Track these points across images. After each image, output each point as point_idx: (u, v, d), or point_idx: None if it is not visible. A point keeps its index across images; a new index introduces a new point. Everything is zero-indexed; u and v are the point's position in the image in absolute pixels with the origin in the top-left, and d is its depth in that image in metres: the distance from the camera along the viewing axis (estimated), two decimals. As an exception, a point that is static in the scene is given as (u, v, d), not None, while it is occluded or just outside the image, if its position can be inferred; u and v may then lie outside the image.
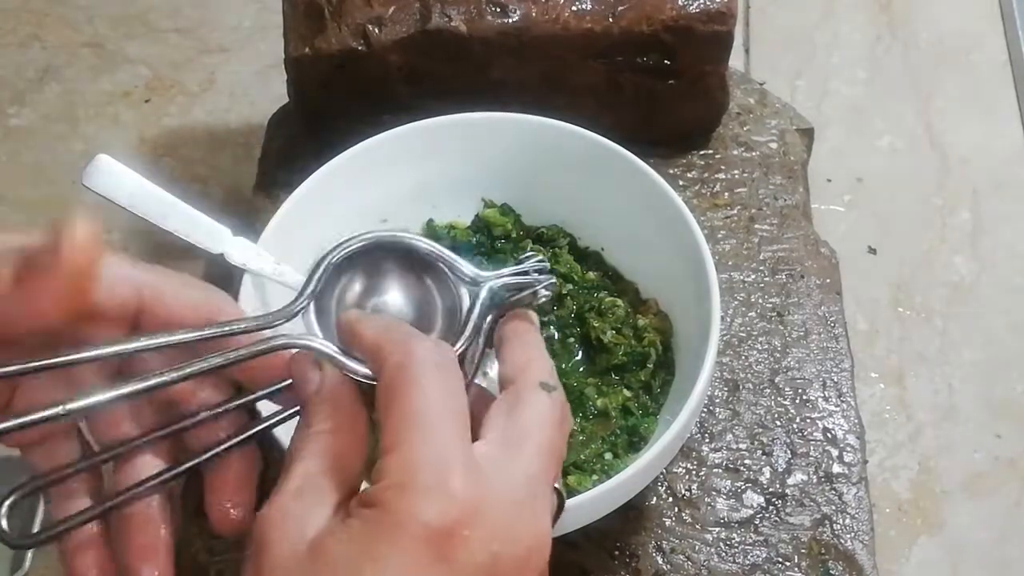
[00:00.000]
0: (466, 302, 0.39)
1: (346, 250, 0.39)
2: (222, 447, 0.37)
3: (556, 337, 0.60)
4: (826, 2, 0.93)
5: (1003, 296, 0.75)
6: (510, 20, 0.65)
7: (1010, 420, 0.69)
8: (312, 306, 0.38)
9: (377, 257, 0.40)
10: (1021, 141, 0.84)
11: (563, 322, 0.61)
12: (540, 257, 0.41)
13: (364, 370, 0.36)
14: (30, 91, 0.90)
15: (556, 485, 0.35)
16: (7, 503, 0.34)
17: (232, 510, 0.38)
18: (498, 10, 0.65)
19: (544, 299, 0.41)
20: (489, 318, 0.39)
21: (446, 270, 0.40)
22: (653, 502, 0.58)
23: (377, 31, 0.65)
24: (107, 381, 0.35)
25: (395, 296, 0.40)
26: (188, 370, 0.35)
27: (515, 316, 0.40)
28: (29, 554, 0.63)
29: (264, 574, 0.31)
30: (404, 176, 0.62)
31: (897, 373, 0.71)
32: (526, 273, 0.41)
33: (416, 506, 0.30)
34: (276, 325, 0.37)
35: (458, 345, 0.38)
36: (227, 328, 0.36)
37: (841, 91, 0.87)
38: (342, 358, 0.36)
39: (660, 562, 0.57)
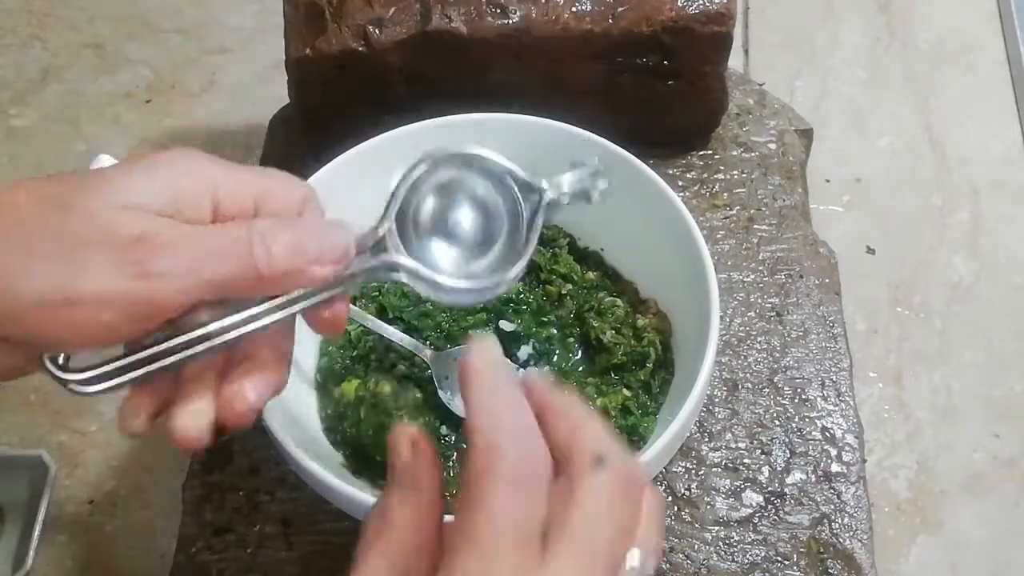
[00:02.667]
0: (526, 207, 0.42)
1: (417, 171, 0.41)
2: (269, 319, 0.39)
3: (556, 337, 0.61)
4: (826, 3, 0.93)
5: (1002, 296, 0.75)
6: (510, 21, 0.65)
7: (1009, 420, 0.69)
8: (394, 226, 0.41)
9: (444, 172, 0.42)
10: (1020, 141, 0.84)
11: (563, 322, 0.61)
12: (595, 159, 0.43)
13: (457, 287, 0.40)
14: (31, 92, 0.90)
15: (635, 560, 0.33)
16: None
17: (249, 394, 0.39)
18: (498, 11, 0.65)
19: (599, 197, 0.43)
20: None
21: (506, 177, 0.42)
22: (652, 501, 0.58)
23: (377, 32, 0.65)
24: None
25: (463, 207, 0.42)
26: (285, 310, 0.39)
27: (529, 383, 0.36)
28: (31, 553, 0.63)
29: None
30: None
31: (896, 373, 0.72)
32: (582, 172, 0.43)
33: None
34: (372, 235, 0.40)
35: (528, 251, 0.41)
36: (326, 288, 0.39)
37: (840, 91, 0.87)
38: (435, 276, 0.40)
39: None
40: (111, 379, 0.37)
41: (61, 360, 0.37)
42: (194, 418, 0.37)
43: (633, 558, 0.33)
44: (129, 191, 0.36)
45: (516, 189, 0.41)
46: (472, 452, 0.32)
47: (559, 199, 0.42)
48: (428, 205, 0.42)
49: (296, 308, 0.39)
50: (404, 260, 0.40)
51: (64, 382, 0.37)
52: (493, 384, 0.34)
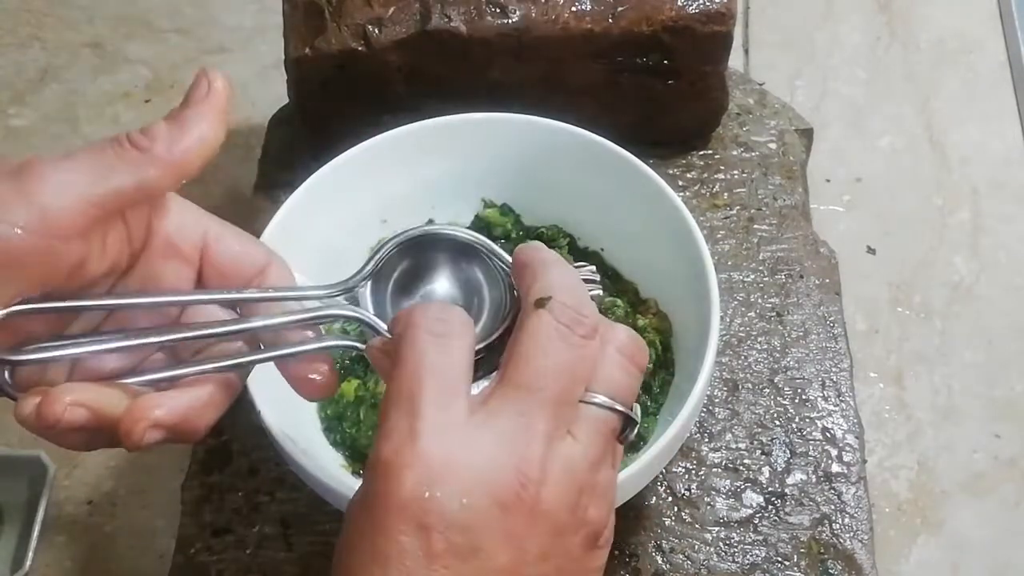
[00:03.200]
0: (509, 297, 0.41)
1: (403, 238, 0.41)
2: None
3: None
4: (826, 2, 0.93)
5: (1003, 296, 0.75)
6: (510, 21, 0.65)
7: (1010, 420, 0.69)
8: (368, 286, 0.41)
9: (428, 247, 0.42)
10: (1021, 141, 0.84)
11: (563, 322, 0.61)
12: (592, 268, 0.42)
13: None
14: (30, 91, 0.90)
15: (597, 400, 0.34)
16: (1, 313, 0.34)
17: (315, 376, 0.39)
18: (498, 11, 0.65)
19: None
20: None
21: (492, 264, 0.42)
22: (653, 502, 0.58)
23: (377, 32, 0.65)
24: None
25: (444, 284, 0.42)
26: (242, 326, 0.38)
27: (518, 253, 0.39)
28: (30, 554, 0.63)
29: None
30: (404, 176, 0.62)
31: (896, 373, 0.71)
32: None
33: (382, 486, 0.31)
34: (334, 296, 0.40)
35: (497, 331, 0.39)
36: (290, 292, 0.39)
37: (840, 91, 0.87)
38: (385, 333, 0.38)
39: (660, 561, 0.57)
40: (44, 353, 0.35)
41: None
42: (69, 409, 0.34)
43: (595, 396, 0.34)
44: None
45: (499, 274, 0.41)
46: (398, 319, 0.35)
47: None
48: (409, 274, 0.42)
49: (265, 357, 0.38)
50: (367, 317, 0.40)
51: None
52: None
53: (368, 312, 0.40)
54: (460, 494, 0.30)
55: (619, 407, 0.35)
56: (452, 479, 0.31)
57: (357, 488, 0.33)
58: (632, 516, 0.57)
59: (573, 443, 0.33)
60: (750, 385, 0.63)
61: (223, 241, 0.39)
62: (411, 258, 0.42)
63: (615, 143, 0.59)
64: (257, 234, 0.55)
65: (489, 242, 0.42)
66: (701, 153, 0.73)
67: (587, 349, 0.34)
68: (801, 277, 0.67)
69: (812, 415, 0.62)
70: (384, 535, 0.30)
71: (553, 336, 0.33)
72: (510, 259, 0.40)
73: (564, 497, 0.32)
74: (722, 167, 0.73)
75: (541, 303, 0.34)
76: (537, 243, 0.39)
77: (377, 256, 0.41)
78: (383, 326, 0.39)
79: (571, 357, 0.34)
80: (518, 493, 0.31)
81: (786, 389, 0.63)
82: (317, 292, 0.40)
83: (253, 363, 0.38)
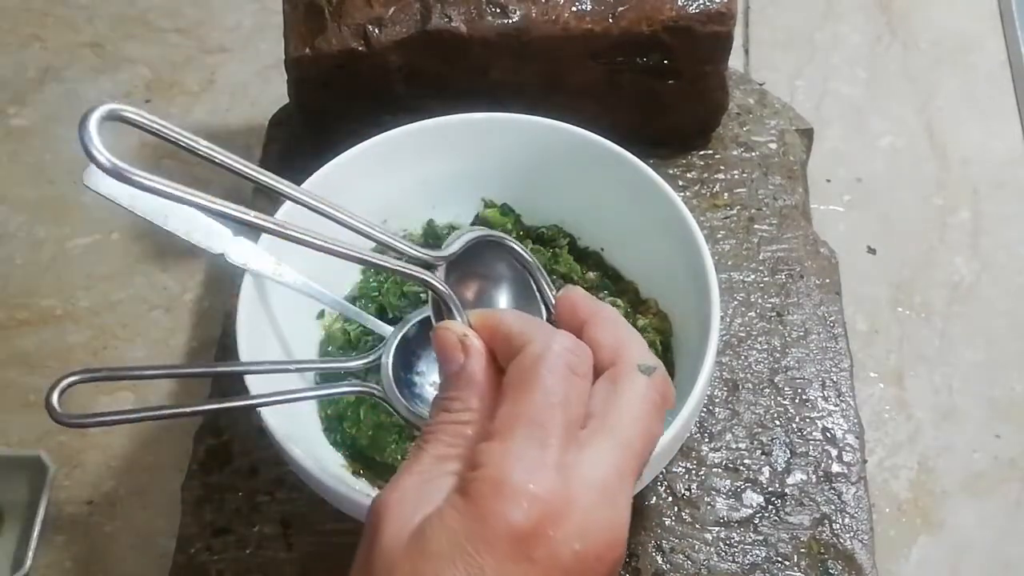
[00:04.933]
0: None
1: (481, 234, 0.43)
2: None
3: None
4: (826, 2, 0.93)
5: (1003, 296, 0.75)
6: (510, 21, 0.65)
7: (1010, 420, 0.69)
8: (443, 269, 0.41)
9: (487, 258, 0.43)
10: (1021, 141, 0.84)
11: (563, 322, 0.61)
12: None
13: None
14: (30, 91, 0.90)
15: None
16: (64, 383, 0.39)
17: None
18: (498, 11, 0.65)
19: None
20: None
21: (538, 290, 0.44)
22: (653, 502, 0.58)
23: (377, 31, 0.65)
24: None
25: (498, 296, 0.44)
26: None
27: (576, 293, 0.40)
28: (30, 553, 0.63)
29: (372, 557, 0.32)
30: (404, 176, 0.62)
31: (896, 373, 0.71)
32: None
33: (505, 507, 0.31)
34: (430, 260, 0.40)
35: None
36: (391, 240, 0.39)
37: (841, 91, 0.87)
38: (461, 317, 0.39)
39: (660, 561, 0.57)
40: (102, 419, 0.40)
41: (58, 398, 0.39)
42: None
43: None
44: None
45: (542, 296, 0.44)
46: (526, 348, 0.35)
47: None
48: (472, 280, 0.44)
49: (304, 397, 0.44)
50: (452, 298, 0.40)
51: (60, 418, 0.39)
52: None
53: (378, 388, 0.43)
54: (573, 539, 0.31)
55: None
56: (570, 523, 0.32)
57: (451, 487, 0.33)
58: (632, 516, 0.57)
59: None
60: (750, 385, 0.63)
61: None
62: (467, 260, 0.43)
63: (615, 143, 0.59)
64: (257, 234, 0.55)
65: (544, 273, 0.44)
66: (701, 153, 0.74)
67: (663, 424, 0.37)
68: (801, 277, 0.67)
69: (812, 415, 0.62)
70: (492, 556, 0.30)
71: (656, 404, 0.36)
72: (551, 295, 0.42)
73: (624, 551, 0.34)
74: (722, 167, 0.73)
75: (647, 371, 0.36)
76: (581, 291, 0.41)
77: (460, 242, 0.41)
78: (463, 313, 0.39)
79: (659, 428, 0.36)
80: (610, 550, 0.33)
81: (786, 389, 0.63)
82: (409, 249, 0.40)
83: (297, 399, 0.41)
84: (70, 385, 0.39)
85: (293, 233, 0.36)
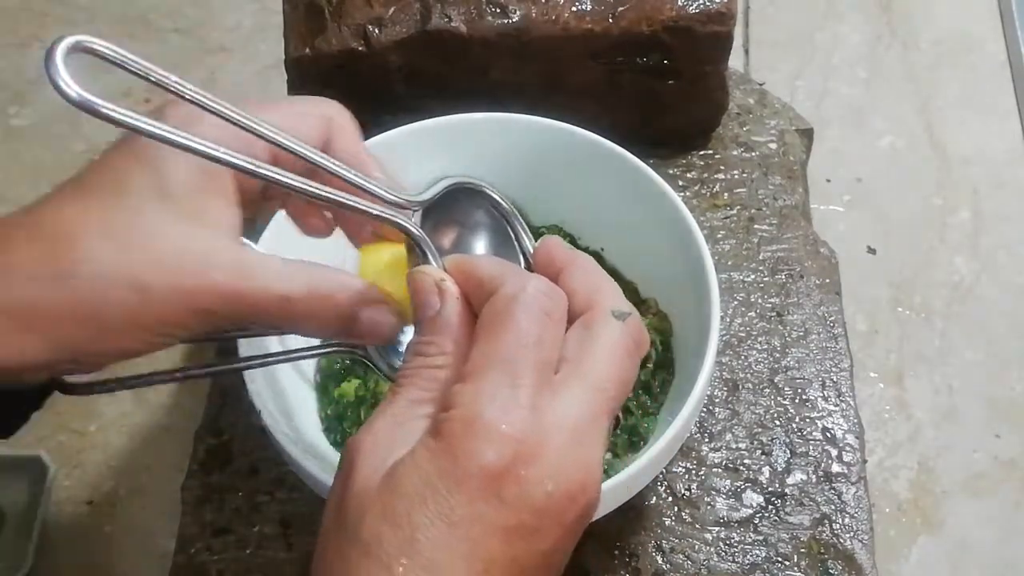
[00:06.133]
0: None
1: (457, 181, 0.43)
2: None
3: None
4: (826, 2, 0.93)
5: (1003, 296, 0.75)
6: (510, 21, 0.65)
7: (1010, 420, 0.69)
8: (419, 215, 0.41)
9: (464, 202, 0.44)
10: (1021, 141, 0.84)
11: (563, 322, 0.61)
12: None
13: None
14: (31, 91, 0.90)
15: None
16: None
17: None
18: (498, 11, 0.65)
19: None
20: None
21: (516, 239, 0.44)
22: (653, 502, 0.58)
23: (377, 31, 0.65)
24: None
25: (476, 243, 0.44)
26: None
27: (553, 242, 0.40)
28: (30, 554, 0.63)
29: (345, 499, 0.32)
30: (404, 176, 0.62)
31: (896, 373, 0.71)
32: None
33: (476, 446, 0.31)
34: (404, 203, 0.40)
35: None
36: (360, 180, 0.39)
37: (841, 91, 0.87)
38: (436, 263, 0.38)
39: (660, 561, 0.57)
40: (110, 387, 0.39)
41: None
42: None
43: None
44: None
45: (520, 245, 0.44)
46: (500, 290, 0.35)
47: None
48: (449, 225, 0.44)
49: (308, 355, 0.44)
50: (426, 241, 0.39)
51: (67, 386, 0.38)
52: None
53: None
54: (545, 479, 0.31)
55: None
56: (542, 464, 0.31)
57: (424, 430, 0.33)
58: (632, 516, 0.57)
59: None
60: (750, 385, 0.63)
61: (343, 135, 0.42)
62: (445, 208, 0.42)
63: (615, 143, 0.59)
64: (258, 234, 0.55)
65: (521, 221, 0.43)
66: (701, 153, 0.73)
67: (637, 370, 0.37)
68: (801, 277, 0.67)
69: (812, 415, 0.62)
70: (463, 495, 0.30)
71: (629, 349, 0.36)
72: (529, 244, 0.42)
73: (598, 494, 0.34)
74: (722, 167, 0.73)
75: (621, 316, 0.36)
76: (559, 239, 0.41)
77: (436, 188, 0.42)
78: (438, 258, 0.38)
79: (633, 373, 0.36)
80: (582, 492, 0.33)
81: (786, 389, 0.63)
82: (383, 192, 0.39)
83: (279, 361, 0.40)
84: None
85: (267, 173, 0.36)
